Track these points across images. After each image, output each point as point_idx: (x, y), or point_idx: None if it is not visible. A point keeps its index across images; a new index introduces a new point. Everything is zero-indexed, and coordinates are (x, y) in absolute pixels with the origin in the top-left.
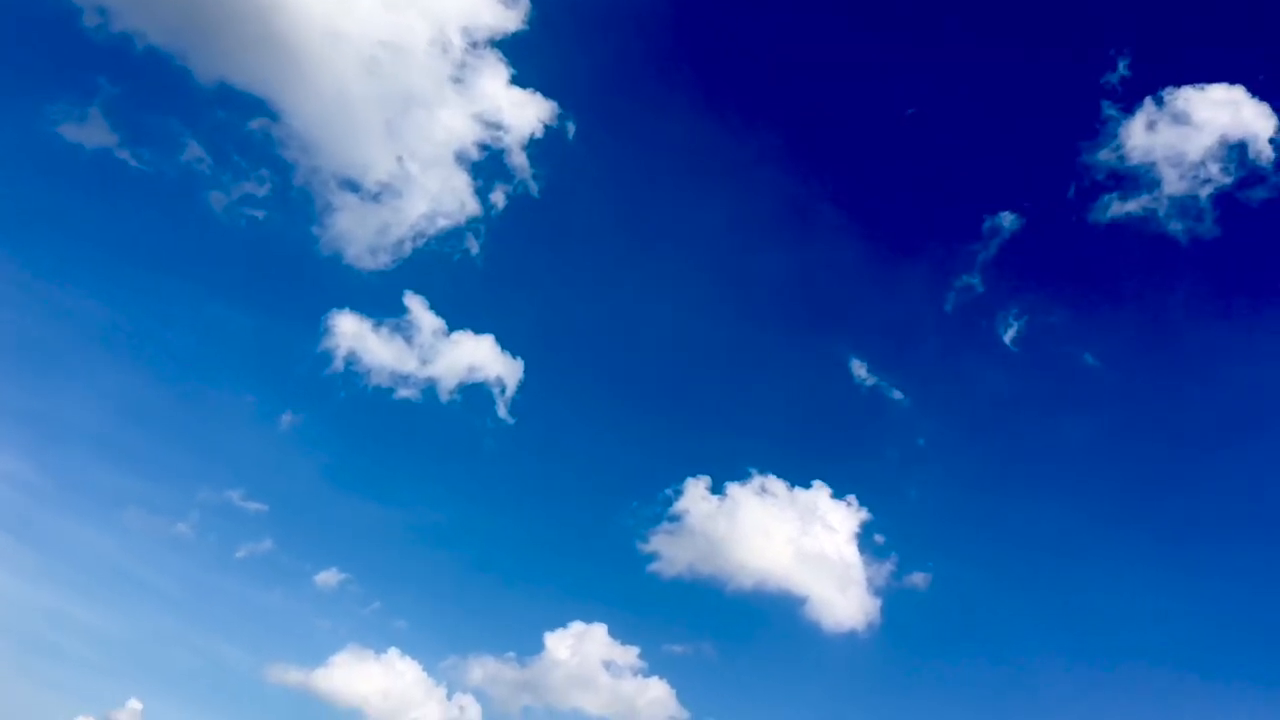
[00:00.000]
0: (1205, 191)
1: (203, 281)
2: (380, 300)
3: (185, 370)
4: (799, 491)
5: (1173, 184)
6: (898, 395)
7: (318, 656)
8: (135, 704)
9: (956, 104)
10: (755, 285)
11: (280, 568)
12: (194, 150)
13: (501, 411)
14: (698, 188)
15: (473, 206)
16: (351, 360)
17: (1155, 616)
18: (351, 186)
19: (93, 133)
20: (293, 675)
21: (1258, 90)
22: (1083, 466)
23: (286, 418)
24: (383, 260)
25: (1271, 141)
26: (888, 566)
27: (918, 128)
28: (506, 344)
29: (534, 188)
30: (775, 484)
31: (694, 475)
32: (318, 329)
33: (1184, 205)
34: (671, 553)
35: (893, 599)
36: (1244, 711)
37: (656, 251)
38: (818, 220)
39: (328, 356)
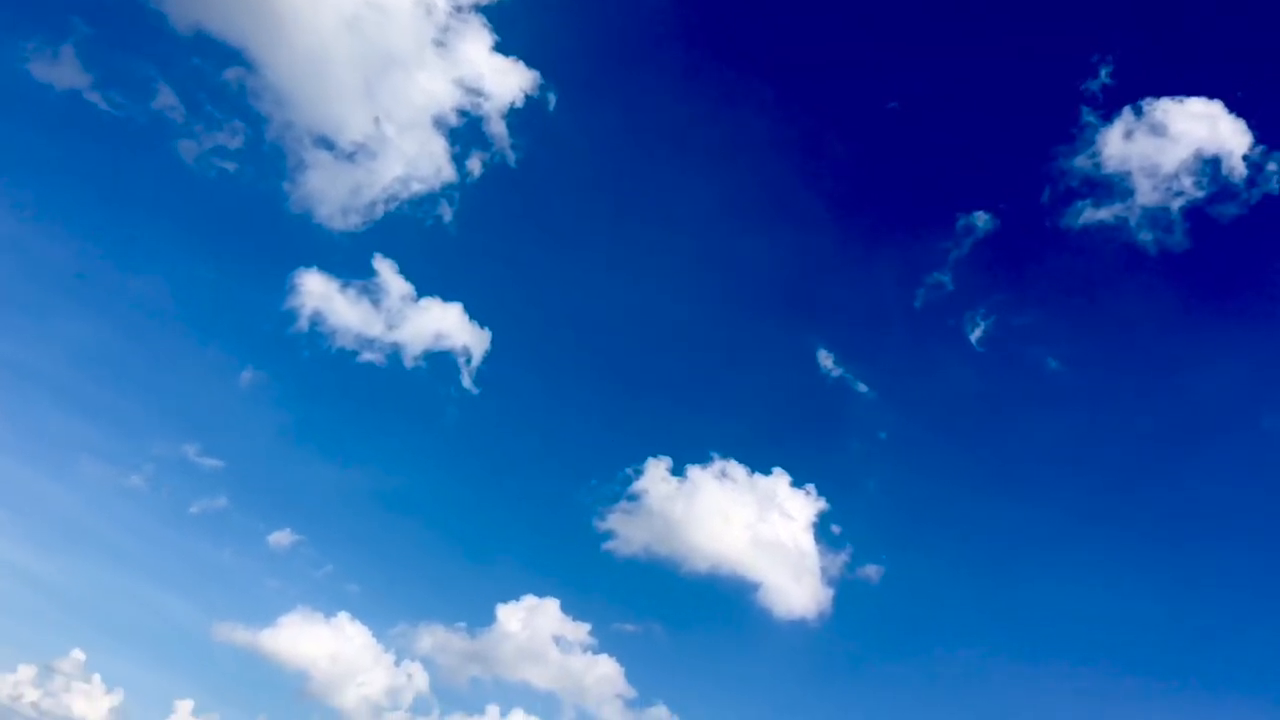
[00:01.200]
0: (1177, 204)
1: (168, 231)
2: (349, 261)
3: (146, 320)
4: (759, 478)
5: (1146, 194)
6: (863, 388)
7: (266, 617)
8: (78, 654)
9: (939, 101)
10: (729, 270)
11: (233, 525)
12: (167, 97)
13: (466, 381)
14: (677, 169)
15: (448, 173)
16: (317, 320)
17: (1101, 618)
18: (326, 144)
19: (64, 73)
20: (240, 634)
21: (1235, 106)
22: (1039, 469)
23: (247, 374)
24: (353, 221)
25: (1245, 159)
26: (842, 557)
27: (899, 122)
28: (475, 313)
29: (512, 158)
30: (736, 469)
31: (655, 456)
32: (283, 287)
33: (1155, 216)
34: (628, 532)
35: (846, 590)
36: (1189, 713)
37: (632, 231)
38: (795, 208)
39: (292, 315)
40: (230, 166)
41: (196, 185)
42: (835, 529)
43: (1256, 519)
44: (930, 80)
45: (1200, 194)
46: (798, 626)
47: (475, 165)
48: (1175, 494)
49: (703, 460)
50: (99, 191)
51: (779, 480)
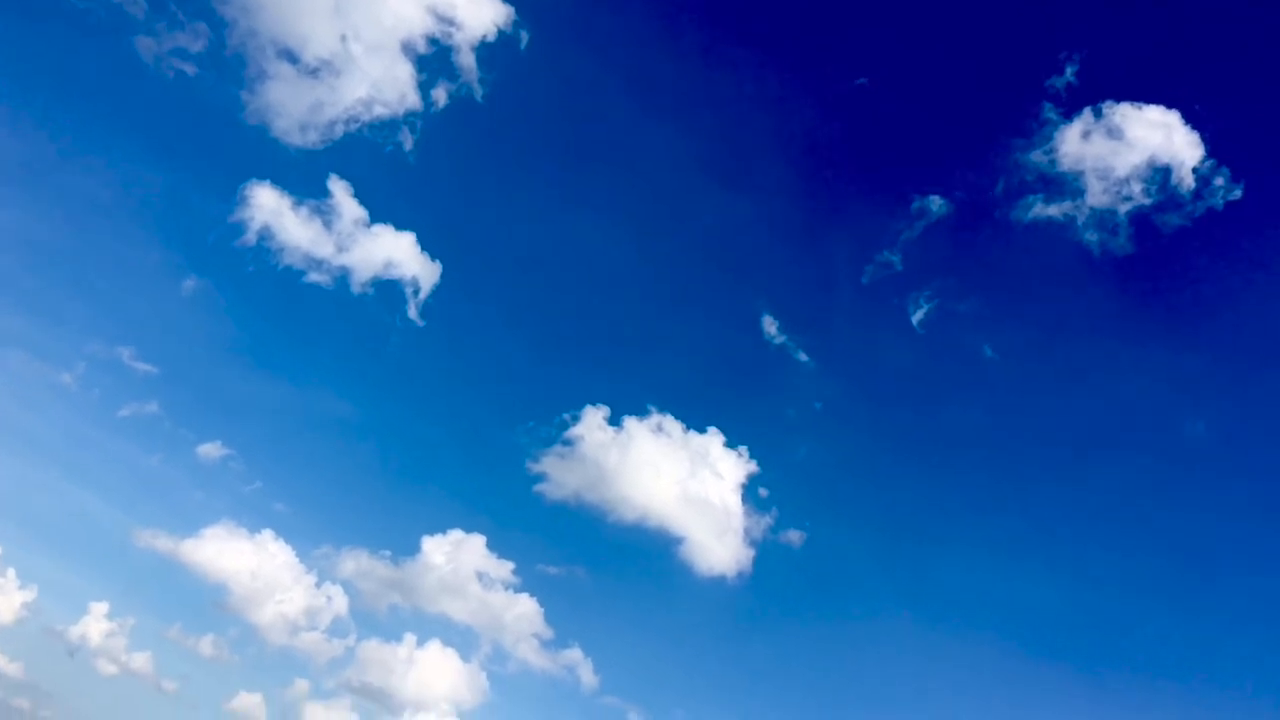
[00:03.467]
0: (1125, 209)
1: (120, 129)
2: (303, 179)
3: (90, 216)
4: (693, 435)
5: (1096, 196)
6: (803, 357)
7: (189, 527)
8: None
9: (908, 81)
10: (684, 226)
11: (163, 433)
12: None
13: (412, 312)
14: (643, 121)
15: (413, 100)
16: (265, 235)
17: (1008, 597)
18: (289, 57)
19: None
20: (161, 542)
21: (1192, 118)
22: (966, 452)
23: (190, 283)
24: (311, 139)
25: (1195, 171)
26: (767, 520)
27: (867, 98)
28: (427, 245)
29: (478, 91)
30: (672, 424)
31: (594, 404)
32: (234, 198)
33: (1103, 218)
34: (560, 476)
35: (767, 551)
36: (1075, 692)
37: (592, 178)
38: (756, 171)
39: (240, 228)
40: (189, 69)
41: (152, 85)
42: (763, 492)
43: (1164, 521)
44: (902, 60)
45: (1148, 201)
46: (717, 583)
47: (441, 95)
48: (1091, 489)
49: (640, 412)
50: (52, 81)
51: (713, 439)
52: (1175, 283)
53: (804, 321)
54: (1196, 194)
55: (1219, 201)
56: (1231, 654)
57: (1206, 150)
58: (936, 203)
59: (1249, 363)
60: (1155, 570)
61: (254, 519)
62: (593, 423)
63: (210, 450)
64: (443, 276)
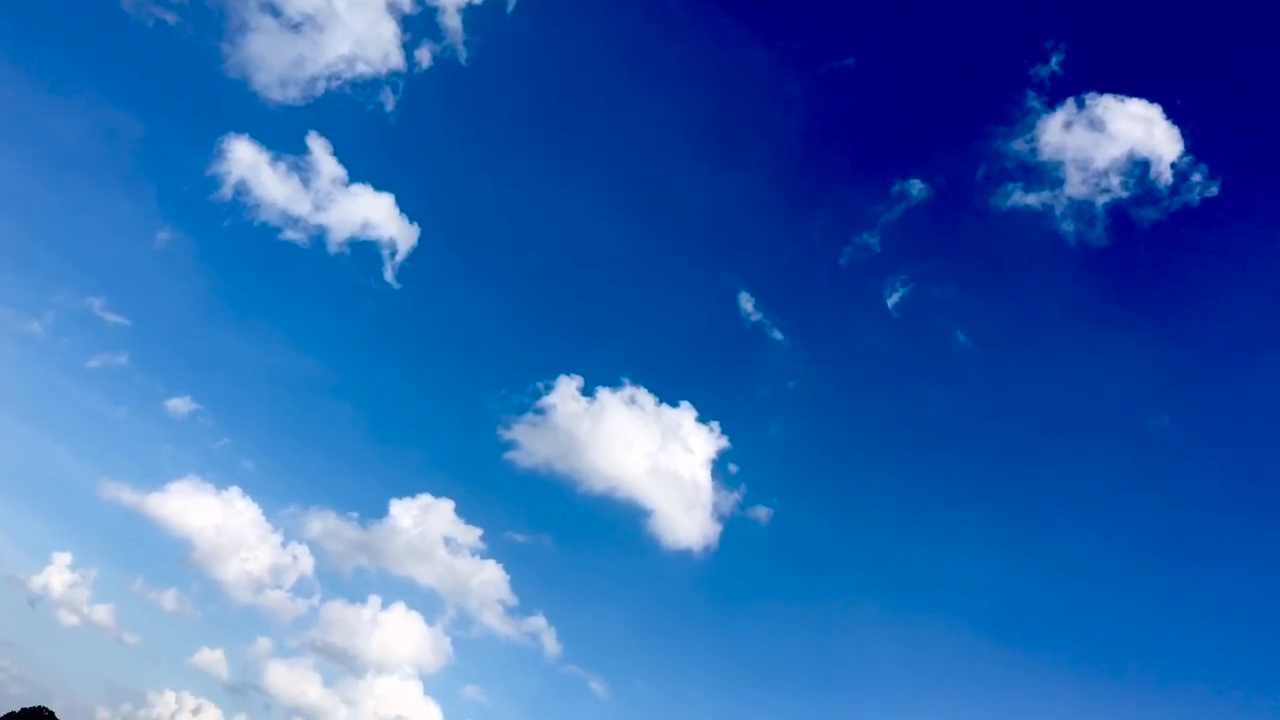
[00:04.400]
0: (1102, 200)
1: (98, 75)
2: (282, 135)
3: (65, 163)
4: (666, 409)
5: (1075, 186)
6: (779, 335)
7: (155, 481)
8: None
9: (893, 65)
10: (665, 199)
11: (132, 385)
12: None
13: (389, 274)
14: (628, 92)
15: (396, 60)
16: (242, 190)
17: (970, 583)
18: (272, 10)
19: None
20: (127, 495)
21: (1173, 114)
22: (935, 436)
23: (164, 234)
24: (292, 94)
25: (1173, 166)
26: (735, 496)
27: (853, 80)
28: (406, 207)
29: (463, 54)
30: (645, 397)
31: (568, 373)
32: (210, 150)
33: (1080, 209)
34: (531, 444)
35: (734, 528)
36: (1036, 679)
37: (575, 146)
38: (739, 148)
39: (216, 181)
40: (170, 18)
41: (133, 32)
42: (733, 468)
43: (1129, 509)
44: (890, 42)
45: (1125, 194)
46: (683, 557)
47: (425, 56)
48: (1055, 477)
49: (614, 384)
50: (30, 22)
51: (685, 414)
52: (1148, 277)
53: (781, 300)
54: (1174, 189)
55: (1195, 198)
56: (1193, 640)
57: (1186, 146)
58: (917, 186)
59: (1216, 358)
60: (1118, 558)
61: (221, 475)
62: (566, 392)
63: (179, 405)
64: (421, 239)
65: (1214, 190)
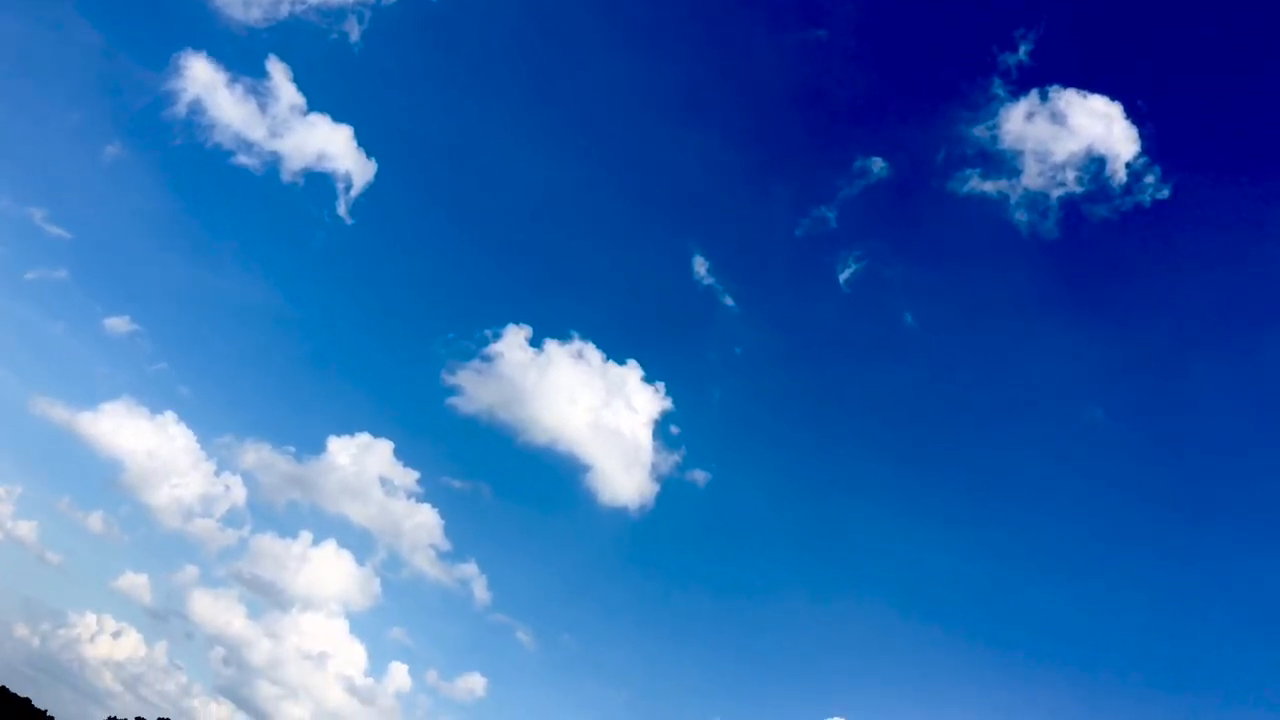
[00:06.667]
0: (1057, 194)
1: None
2: (241, 56)
3: (14, 67)
4: (613, 366)
5: (1031, 178)
6: (729, 301)
7: (88, 400)
8: None
9: (866, 40)
10: (628, 156)
11: (70, 301)
12: None
13: (342, 208)
14: (600, 43)
15: None
16: (196, 109)
17: (899, 561)
18: None
19: None
20: (57, 412)
21: (1134, 113)
22: (876, 414)
23: (112, 149)
24: (254, 15)
25: (1128, 166)
26: (675, 458)
27: (824, 51)
28: (364, 141)
29: None
30: (592, 352)
31: (517, 323)
32: (165, 65)
33: (1035, 200)
34: (474, 391)
35: (671, 489)
36: (968, 660)
37: (539, 94)
38: (705, 110)
39: (170, 97)
40: None
41: None
42: (674, 429)
43: (1058, 498)
44: (863, 17)
45: (1079, 190)
46: (619, 514)
47: None
48: (990, 460)
49: (562, 337)
50: None
51: (631, 372)
52: (1095, 272)
53: (734, 266)
54: (1127, 189)
55: (1147, 199)
56: (1119, 626)
57: (1143, 147)
58: (878, 164)
59: (1152, 356)
60: (1046, 541)
61: (156, 399)
62: (514, 341)
63: (117, 324)
64: (377, 176)
65: (1165, 193)
